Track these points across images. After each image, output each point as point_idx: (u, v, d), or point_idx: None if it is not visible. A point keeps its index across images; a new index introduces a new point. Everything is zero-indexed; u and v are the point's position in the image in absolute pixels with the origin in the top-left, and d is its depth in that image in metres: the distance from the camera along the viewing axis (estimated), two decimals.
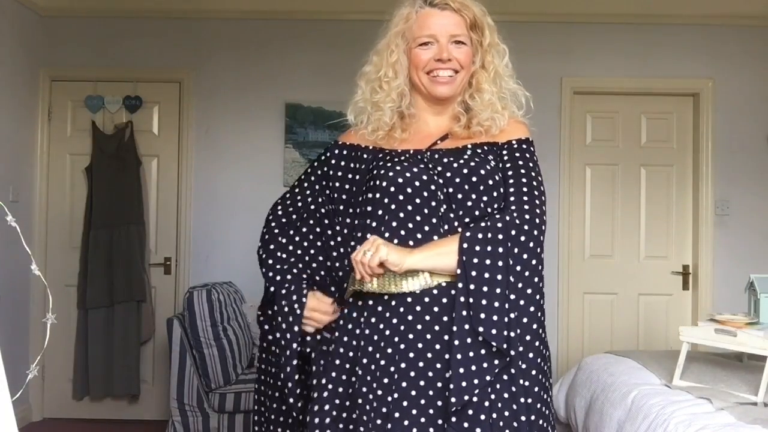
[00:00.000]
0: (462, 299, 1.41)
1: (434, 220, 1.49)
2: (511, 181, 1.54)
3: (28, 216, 4.27)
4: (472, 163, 1.53)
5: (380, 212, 1.52)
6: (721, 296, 4.24)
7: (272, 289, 1.61)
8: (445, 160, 1.54)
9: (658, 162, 4.45)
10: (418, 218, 1.50)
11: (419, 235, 1.49)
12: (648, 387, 2.44)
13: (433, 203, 1.50)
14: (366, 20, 4.19)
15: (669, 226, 4.45)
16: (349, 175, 1.64)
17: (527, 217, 1.48)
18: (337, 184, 1.65)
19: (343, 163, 1.66)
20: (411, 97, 1.64)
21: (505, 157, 1.57)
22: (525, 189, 1.53)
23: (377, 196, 1.53)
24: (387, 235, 1.50)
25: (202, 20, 4.39)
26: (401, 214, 1.50)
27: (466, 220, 1.50)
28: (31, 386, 4.23)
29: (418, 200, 1.50)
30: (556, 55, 4.29)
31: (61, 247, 4.39)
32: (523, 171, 1.55)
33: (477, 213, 1.50)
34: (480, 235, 1.44)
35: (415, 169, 1.52)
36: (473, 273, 1.41)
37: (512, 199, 1.51)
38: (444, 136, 1.61)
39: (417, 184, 1.50)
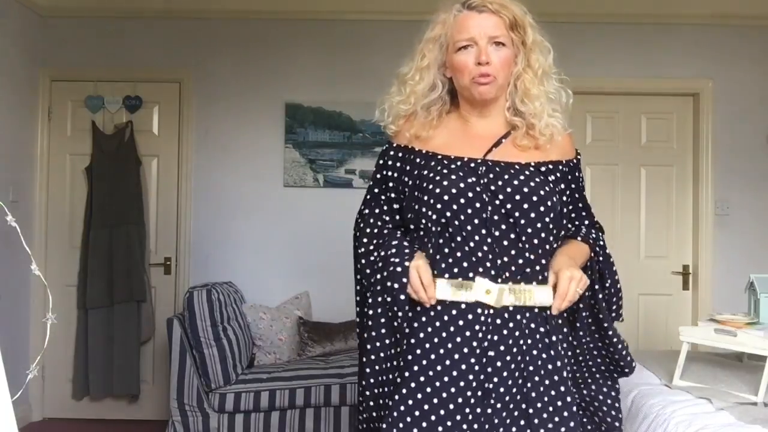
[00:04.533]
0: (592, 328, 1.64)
1: (484, 231, 1.48)
2: (579, 204, 1.70)
3: (28, 216, 4.27)
4: (532, 183, 1.51)
5: (430, 225, 1.51)
6: (721, 296, 4.24)
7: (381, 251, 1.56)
8: (506, 176, 1.52)
9: (658, 162, 4.45)
10: (469, 228, 1.48)
11: (468, 248, 1.49)
12: (648, 387, 2.44)
13: (484, 215, 1.48)
14: (366, 20, 4.28)
15: (669, 226, 4.45)
16: (404, 177, 1.62)
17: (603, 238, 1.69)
18: (392, 185, 1.64)
19: (399, 165, 1.64)
20: (458, 102, 1.64)
21: (569, 177, 1.64)
22: (584, 213, 1.73)
23: (424, 210, 1.51)
24: (441, 241, 1.50)
25: (202, 20, 4.39)
26: (450, 229, 1.49)
27: (523, 238, 1.48)
28: (31, 386, 4.23)
29: (470, 210, 1.48)
30: (556, 55, 4.25)
31: (61, 247, 4.39)
32: (577, 194, 1.70)
33: (534, 231, 1.49)
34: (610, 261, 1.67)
35: (470, 181, 1.50)
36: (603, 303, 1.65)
37: (586, 222, 1.71)
38: (497, 141, 1.59)
39: (470, 195, 1.49)
